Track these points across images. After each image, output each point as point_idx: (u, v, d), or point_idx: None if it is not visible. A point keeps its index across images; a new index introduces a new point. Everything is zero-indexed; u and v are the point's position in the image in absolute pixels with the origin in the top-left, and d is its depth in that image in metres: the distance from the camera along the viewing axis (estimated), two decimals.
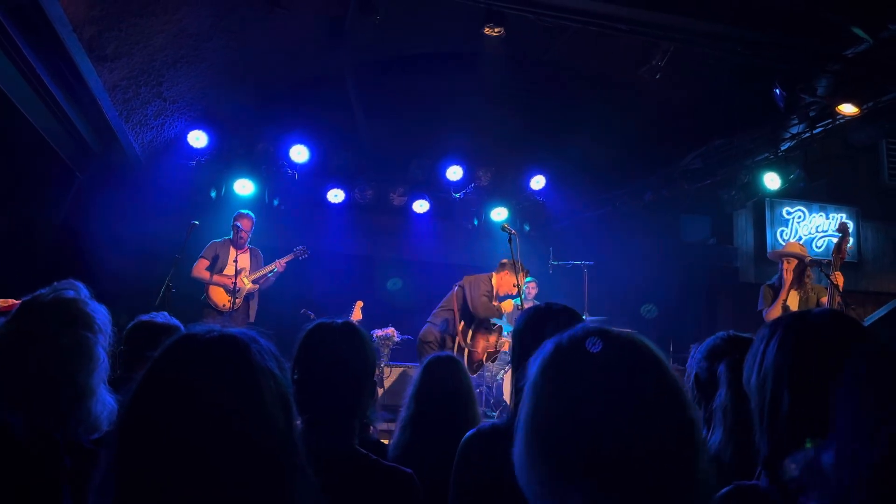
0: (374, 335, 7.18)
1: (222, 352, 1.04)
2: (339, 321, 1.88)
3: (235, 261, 6.40)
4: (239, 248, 6.60)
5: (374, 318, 7.33)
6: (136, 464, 0.96)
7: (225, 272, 6.54)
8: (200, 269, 6.51)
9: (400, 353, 7.39)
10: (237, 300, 6.44)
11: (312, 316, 5.90)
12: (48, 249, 7.04)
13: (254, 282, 6.63)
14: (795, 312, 1.44)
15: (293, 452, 1.04)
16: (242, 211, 6.72)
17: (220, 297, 6.50)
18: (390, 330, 7.25)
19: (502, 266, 6.28)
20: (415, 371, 2.94)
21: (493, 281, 6.26)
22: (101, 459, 1.00)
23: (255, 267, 6.69)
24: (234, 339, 1.06)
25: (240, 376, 1.02)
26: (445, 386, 2.74)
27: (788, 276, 5.47)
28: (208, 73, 6.98)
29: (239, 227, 6.51)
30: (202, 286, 6.52)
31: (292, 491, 1.01)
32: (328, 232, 8.78)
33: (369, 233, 9.16)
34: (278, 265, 6.70)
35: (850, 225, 7.09)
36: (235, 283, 6.33)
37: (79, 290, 1.69)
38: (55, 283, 1.69)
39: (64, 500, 1.46)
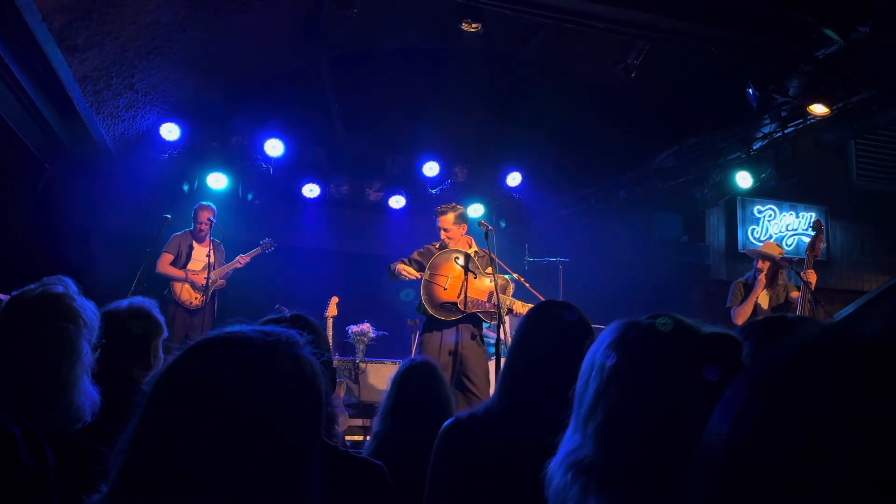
0: (350, 331, 7.15)
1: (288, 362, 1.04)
2: (289, 314, 1.88)
3: (208, 255, 6.35)
4: (200, 240, 6.55)
5: (350, 313, 7.29)
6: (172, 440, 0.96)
7: (189, 266, 6.48)
8: (165, 264, 6.44)
9: (375, 349, 7.37)
10: (206, 297, 6.39)
11: (286, 311, 5.84)
12: (16, 243, 6.89)
13: (222, 277, 6.60)
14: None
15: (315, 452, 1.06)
16: (203, 202, 6.71)
17: (187, 293, 6.44)
18: (366, 326, 7.22)
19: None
20: (391, 375, 2.89)
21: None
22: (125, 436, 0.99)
23: (219, 261, 6.64)
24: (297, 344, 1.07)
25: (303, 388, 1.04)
26: (421, 397, 2.70)
27: (762, 279, 5.55)
28: (182, 64, 6.88)
29: (200, 219, 6.52)
30: (167, 281, 6.45)
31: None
32: (303, 227, 8.71)
33: (345, 228, 9.10)
34: (242, 259, 6.68)
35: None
36: (208, 281, 6.27)
37: (67, 286, 1.73)
38: (44, 279, 1.73)
39: (50, 490, 1.47)
